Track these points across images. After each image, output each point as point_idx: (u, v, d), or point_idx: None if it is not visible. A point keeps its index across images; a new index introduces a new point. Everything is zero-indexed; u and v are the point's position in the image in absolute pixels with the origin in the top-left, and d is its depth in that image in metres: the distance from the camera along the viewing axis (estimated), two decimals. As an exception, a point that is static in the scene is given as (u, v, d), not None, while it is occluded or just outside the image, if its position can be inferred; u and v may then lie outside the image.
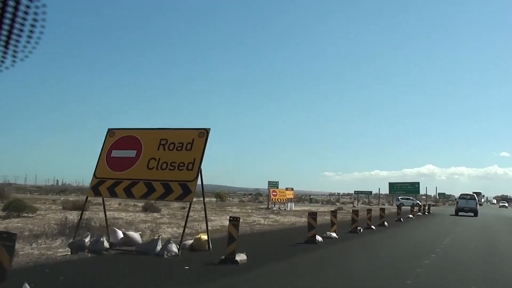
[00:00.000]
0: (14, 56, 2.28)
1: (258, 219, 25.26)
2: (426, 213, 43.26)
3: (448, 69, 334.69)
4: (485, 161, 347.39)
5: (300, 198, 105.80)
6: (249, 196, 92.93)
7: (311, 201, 72.28)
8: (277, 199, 47.54)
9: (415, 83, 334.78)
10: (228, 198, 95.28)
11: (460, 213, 42.07)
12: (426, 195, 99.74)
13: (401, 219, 28.37)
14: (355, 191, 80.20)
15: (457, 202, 45.07)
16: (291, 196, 50.62)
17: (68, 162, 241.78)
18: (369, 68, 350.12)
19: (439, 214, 43.43)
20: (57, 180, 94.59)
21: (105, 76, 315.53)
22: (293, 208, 49.20)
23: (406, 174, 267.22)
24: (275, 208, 46.42)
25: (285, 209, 47.64)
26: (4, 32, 2.23)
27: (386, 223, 22.70)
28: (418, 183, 74.79)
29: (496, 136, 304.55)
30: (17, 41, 2.26)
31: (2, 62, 2.27)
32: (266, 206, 48.05)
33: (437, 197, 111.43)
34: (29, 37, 2.27)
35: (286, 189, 50.03)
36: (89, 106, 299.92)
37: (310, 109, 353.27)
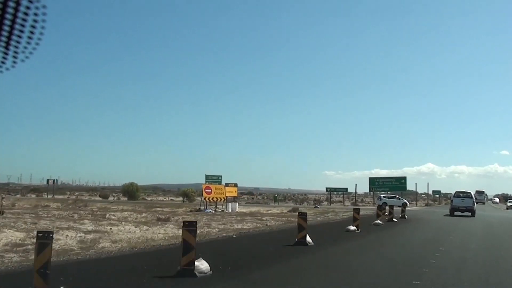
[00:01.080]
0: (15, 57, 2.24)
1: (75, 236, 15.10)
2: (394, 219, 27.73)
3: (448, 68, 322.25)
4: (485, 159, 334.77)
5: (286, 196, 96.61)
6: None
7: (275, 199, 61.69)
8: (212, 198, 37.40)
9: (415, 82, 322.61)
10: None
11: (456, 213, 38.02)
12: (416, 192, 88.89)
13: (307, 239, 13.91)
14: (326, 188, 67.86)
15: (452, 201, 40.64)
16: (234, 194, 40.43)
17: (66, 162, 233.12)
18: (369, 68, 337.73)
19: (420, 220, 30.52)
20: (55, 180, 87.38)
21: (103, 77, 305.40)
22: (237, 209, 39.29)
23: (406, 173, 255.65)
24: (208, 210, 36.51)
25: (223, 210, 37.75)
26: (5, 33, 2.20)
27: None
28: (404, 178, 61.67)
29: (496, 135, 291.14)
30: (18, 42, 2.23)
31: (3, 63, 2.23)
32: (198, 207, 38.05)
33: (434, 195, 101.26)
34: (30, 38, 2.24)
35: (227, 184, 39.78)
36: (88, 107, 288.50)
37: (310, 108, 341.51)
